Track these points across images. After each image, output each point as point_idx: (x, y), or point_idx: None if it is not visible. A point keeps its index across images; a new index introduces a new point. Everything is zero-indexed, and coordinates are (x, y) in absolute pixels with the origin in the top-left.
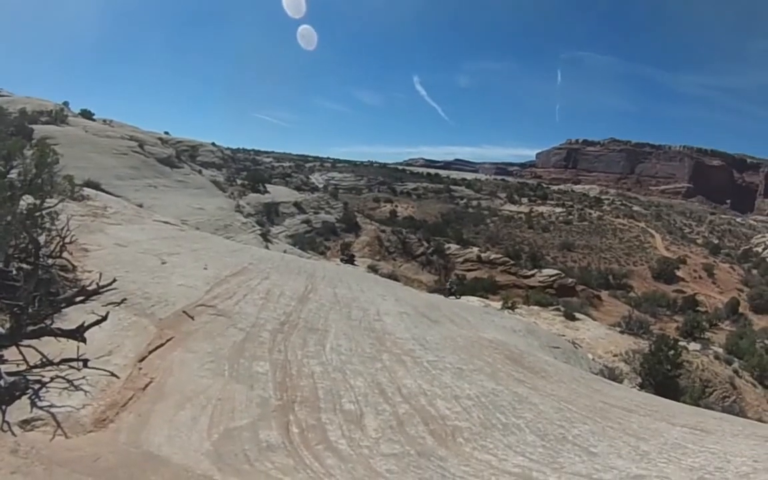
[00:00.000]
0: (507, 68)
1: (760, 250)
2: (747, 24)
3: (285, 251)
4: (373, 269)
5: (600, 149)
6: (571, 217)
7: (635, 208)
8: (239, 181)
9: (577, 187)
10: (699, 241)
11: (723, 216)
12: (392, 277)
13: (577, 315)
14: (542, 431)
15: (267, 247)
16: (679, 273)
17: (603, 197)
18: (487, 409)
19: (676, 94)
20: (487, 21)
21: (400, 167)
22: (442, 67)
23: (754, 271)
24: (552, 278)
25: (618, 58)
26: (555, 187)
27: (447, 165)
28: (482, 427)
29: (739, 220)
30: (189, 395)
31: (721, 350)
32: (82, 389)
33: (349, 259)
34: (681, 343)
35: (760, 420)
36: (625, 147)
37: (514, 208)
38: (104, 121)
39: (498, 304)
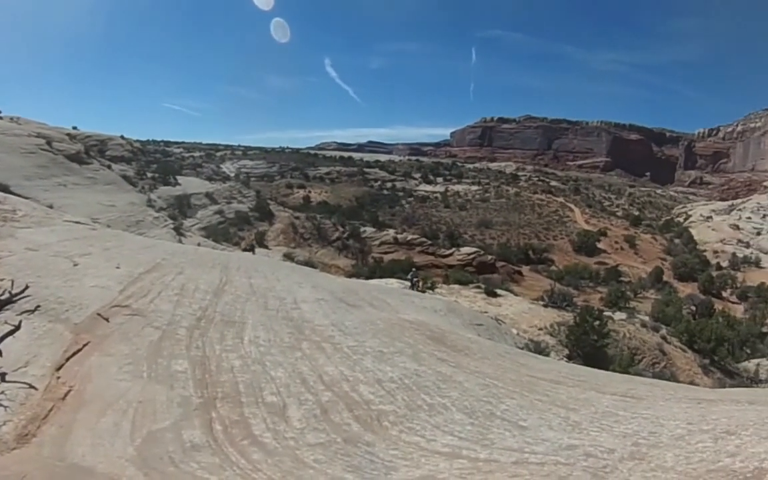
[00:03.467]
0: (420, 48)
1: (681, 220)
2: (661, 2)
3: (199, 244)
4: (288, 257)
5: (516, 126)
6: (487, 194)
7: (553, 183)
8: (150, 175)
9: (493, 165)
10: (619, 214)
11: (643, 188)
12: (309, 264)
13: (499, 291)
14: (469, 409)
15: (180, 241)
16: (600, 245)
17: (520, 174)
18: (412, 390)
19: (593, 70)
20: (401, 0)
21: (313, 152)
22: (354, 49)
23: (677, 241)
24: (471, 256)
25: (533, 36)
26: (470, 166)
27: (360, 147)
28: (408, 410)
29: (659, 191)
30: (109, 401)
31: (647, 318)
32: (1, 405)
33: (251, 248)
34: (606, 313)
35: (692, 383)
36: (541, 124)
37: (429, 188)
38: (11, 118)
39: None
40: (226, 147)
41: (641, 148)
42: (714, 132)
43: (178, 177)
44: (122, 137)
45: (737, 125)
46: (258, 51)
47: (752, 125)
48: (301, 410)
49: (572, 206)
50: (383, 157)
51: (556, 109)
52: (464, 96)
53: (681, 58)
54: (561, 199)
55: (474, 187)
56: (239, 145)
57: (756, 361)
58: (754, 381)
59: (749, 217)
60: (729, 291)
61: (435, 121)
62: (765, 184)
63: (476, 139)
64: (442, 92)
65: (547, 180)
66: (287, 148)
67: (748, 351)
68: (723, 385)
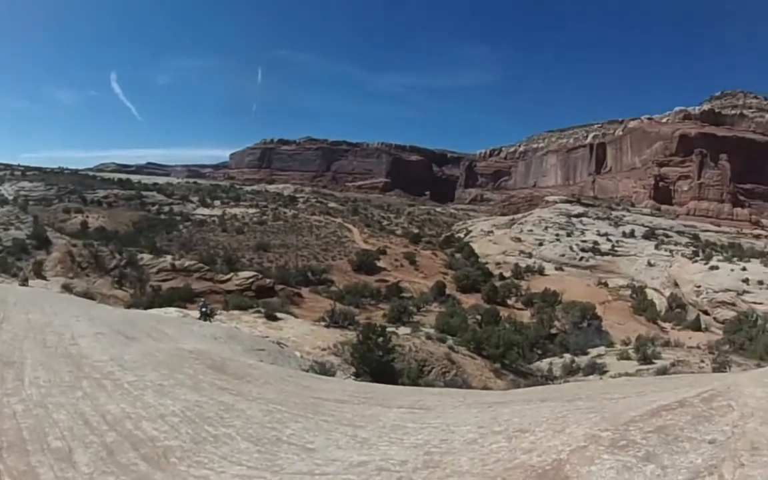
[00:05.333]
0: (206, 66)
1: (462, 235)
2: (447, 27)
3: None
4: (66, 288)
5: (296, 148)
6: (265, 217)
7: (331, 204)
8: None
9: (271, 187)
10: (399, 232)
11: (422, 207)
12: (87, 295)
13: (279, 315)
14: (255, 437)
15: None
16: (380, 263)
17: (298, 196)
18: (195, 423)
19: (375, 93)
20: (191, 15)
21: (92, 173)
22: (142, 64)
23: (458, 255)
24: (249, 280)
25: (319, 57)
26: (248, 188)
27: (139, 169)
28: (193, 443)
29: (438, 209)
30: None
31: (432, 330)
32: None
33: (23, 281)
34: (390, 329)
35: (485, 388)
36: (321, 145)
37: (207, 211)
38: None
39: (196, 313)
40: (6, 166)
41: (421, 168)
42: (496, 152)
43: None
44: None
45: (520, 146)
46: (40, 61)
47: (534, 146)
48: (88, 454)
49: (351, 226)
50: (162, 179)
51: (337, 130)
52: (247, 116)
53: (466, 82)
54: (339, 220)
55: (252, 210)
56: (19, 165)
57: (548, 360)
58: (548, 378)
59: (531, 230)
60: (514, 299)
61: (216, 142)
62: (546, 198)
63: (255, 160)
64: (226, 112)
65: (326, 201)
66: (66, 169)
67: (539, 352)
68: (517, 385)
